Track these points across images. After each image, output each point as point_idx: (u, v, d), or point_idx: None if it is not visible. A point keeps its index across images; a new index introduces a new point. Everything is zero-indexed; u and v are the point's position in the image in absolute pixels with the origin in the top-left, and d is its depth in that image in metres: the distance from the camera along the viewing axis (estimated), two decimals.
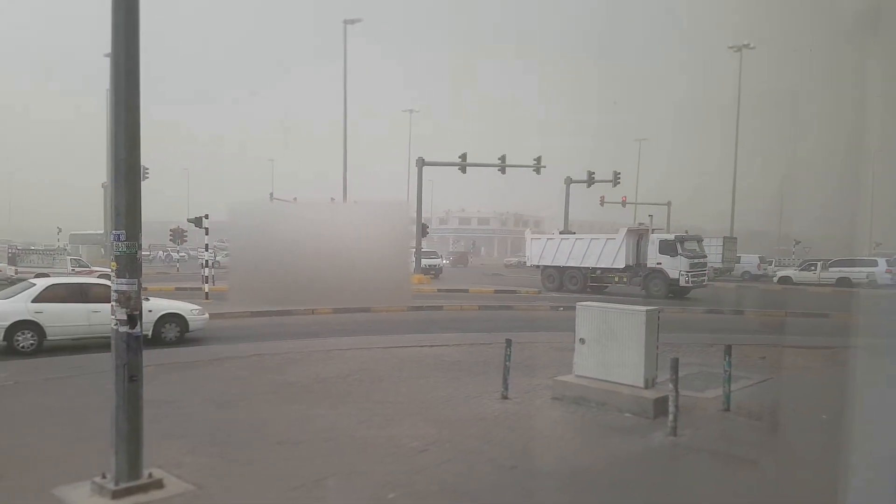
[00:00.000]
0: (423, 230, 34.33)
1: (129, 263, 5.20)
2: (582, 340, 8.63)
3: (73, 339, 12.82)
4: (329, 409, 8.31)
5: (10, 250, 31.35)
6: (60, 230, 47.86)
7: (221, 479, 5.86)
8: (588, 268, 29.92)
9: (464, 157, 35.05)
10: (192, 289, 25.40)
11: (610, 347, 8.37)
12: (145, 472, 5.44)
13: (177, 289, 26.49)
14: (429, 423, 7.75)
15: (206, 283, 23.03)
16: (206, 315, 14.70)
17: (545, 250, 31.70)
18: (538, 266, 32.31)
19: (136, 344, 5.27)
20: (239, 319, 18.03)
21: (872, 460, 4.57)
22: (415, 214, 33.97)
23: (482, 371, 10.71)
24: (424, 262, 38.64)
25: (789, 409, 8.92)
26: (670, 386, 7.38)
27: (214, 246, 23.97)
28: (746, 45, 44.05)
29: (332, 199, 35.61)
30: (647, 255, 28.41)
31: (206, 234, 23.11)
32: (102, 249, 39.32)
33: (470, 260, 65.83)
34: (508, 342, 9.03)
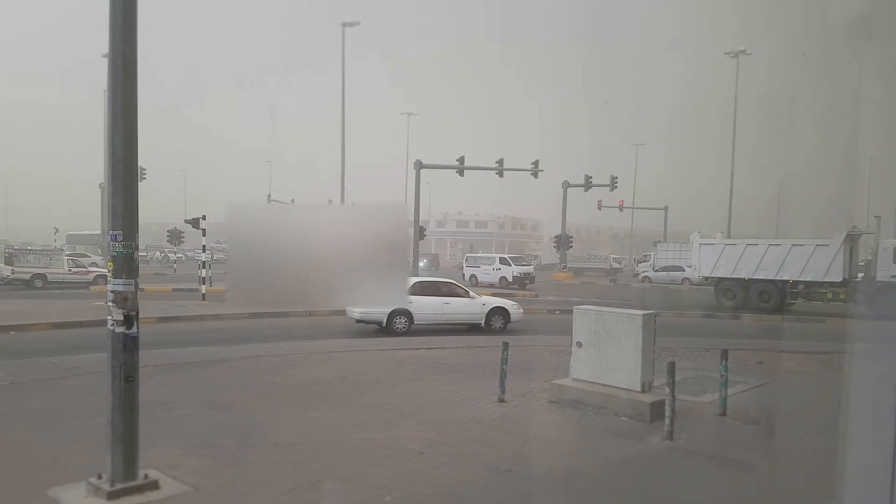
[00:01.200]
0: (420, 233, 34.34)
1: (126, 264, 5.19)
2: (579, 344, 8.63)
3: (429, 325, 16.67)
4: (325, 412, 8.29)
5: (6, 250, 31.27)
6: (57, 230, 47.75)
7: (217, 481, 5.84)
8: (787, 281, 24.41)
9: (461, 160, 35.08)
10: (188, 290, 25.38)
11: (607, 351, 8.37)
12: (141, 473, 5.42)
13: (174, 290, 26.49)
14: (426, 426, 7.75)
15: (203, 284, 22.98)
16: (521, 310, 18.16)
17: (721, 259, 26.26)
18: (708, 278, 27.28)
19: (132, 344, 5.25)
20: (237, 321, 18.00)
21: (868, 465, 4.58)
22: (413, 217, 33.96)
23: (479, 374, 10.71)
24: (516, 270, 37.22)
25: (785, 414, 8.94)
26: (667, 390, 7.39)
27: (212, 247, 23.94)
28: (743, 51, 44.21)
29: (330, 201, 35.65)
30: (876, 265, 23.03)
31: (203, 235, 23.09)
32: (99, 250, 39.24)
33: (440, 263, 62.77)
34: (505, 345, 9.03)
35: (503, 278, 37.06)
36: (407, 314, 16.31)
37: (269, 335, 15.15)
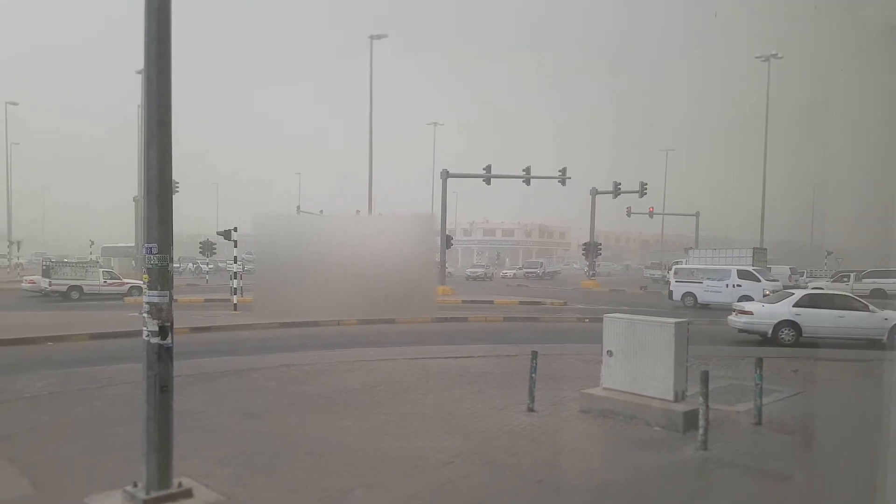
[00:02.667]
0: (447, 242, 34.39)
1: (161, 276, 5.29)
2: (609, 353, 8.55)
3: (820, 338, 16.38)
4: (354, 421, 8.33)
5: (43, 263, 32.07)
6: (93, 243, 48.84)
7: (249, 490, 5.90)
8: None
9: (488, 168, 35.13)
10: (221, 300, 25.75)
11: (638, 360, 8.27)
12: (175, 482, 5.49)
13: (206, 300, 26.89)
14: (454, 436, 7.73)
15: (235, 294, 23.29)
16: None
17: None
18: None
19: (167, 355, 5.34)
20: (267, 330, 18.20)
21: None
22: (439, 226, 34.05)
23: (508, 383, 10.65)
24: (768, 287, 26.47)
25: (823, 423, 8.72)
26: (700, 399, 7.26)
27: (243, 258, 24.26)
28: (774, 55, 43.54)
29: (358, 211, 35.89)
30: None
31: (235, 246, 23.42)
32: (133, 262, 40.02)
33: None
34: (534, 354, 8.98)
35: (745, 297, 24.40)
36: (794, 326, 16.50)
37: (298, 344, 15.28)
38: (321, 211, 44.81)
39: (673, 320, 8.24)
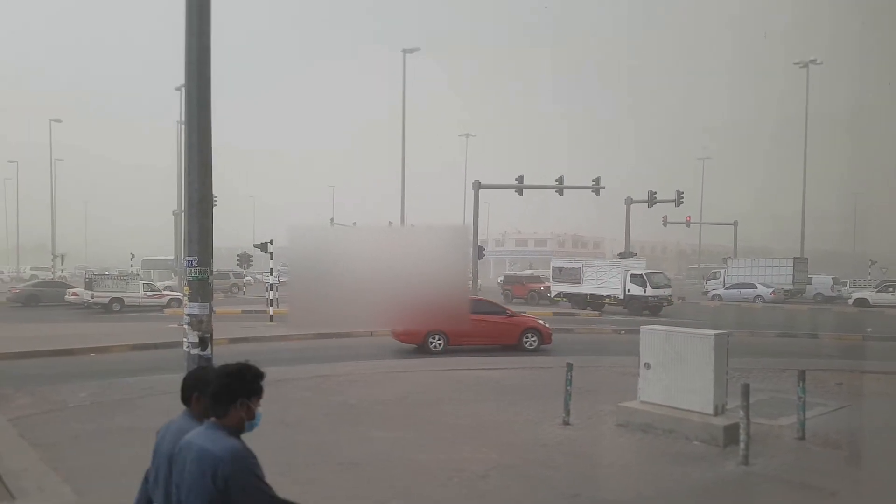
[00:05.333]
0: (479, 253, 34.34)
1: (201, 288, 5.40)
2: (647, 365, 8.41)
3: None
4: (388, 431, 8.34)
5: (86, 276, 32.93)
6: (133, 256, 49.99)
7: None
8: None
9: (520, 179, 34.99)
10: (257, 311, 26.09)
11: (677, 372, 8.12)
12: None
13: (243, 311, 27.28)
14: (489, 448, 7.68)
15: (271, 306, 23.59)
16: None
17: None
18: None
19: (206, 365, 5.43)
20: (302, 341, 18.37)
21: None
22: (471, 237, 34.05)
23: (542, 395, 10.56)
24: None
25: (870, 438, 8.44)
26: (741, 413, 7.10)
27: (278, 270, 24.60)
28: (813, 61, 42.67)
29: (390, 223, 36.11)
30: None
31: (271, 258, 23.75)
32: (173, 274, 40.83)
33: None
34: (569, 366, 8.89)
35: None
36: None
37: (332, 355, 15.39)
38: (354, 223, 45.23)
39: (712, 332, 8.09)
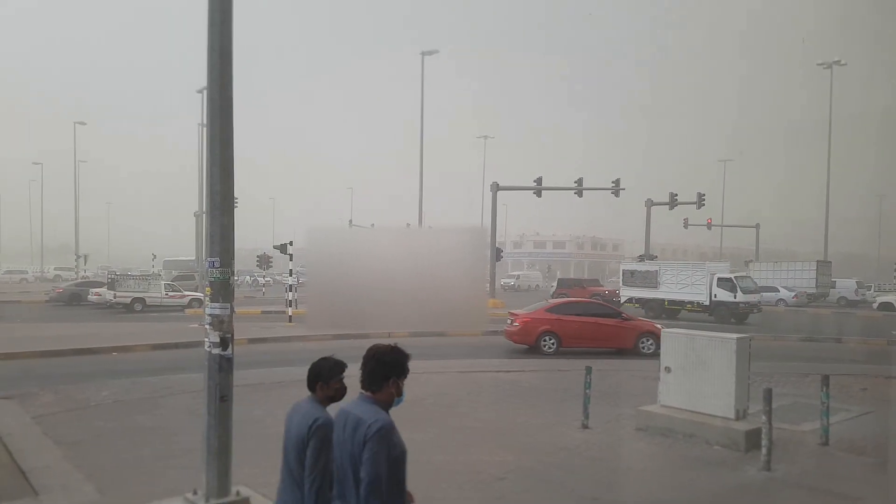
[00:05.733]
0: (497, 254, 34.30)
1: (223, 289, 5.43)
2: (668, 369, 8.34)
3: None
4: (406, 433, 8.26)
5: (108, 276, 33.37)
6: (155, 256, 50.59)
7: None
8: None
9: (539, 180, 34.90)
10: (276, 312, 26.27)
11: (698, 376, 8.04)
12: (233, 490, 5.60)
13: (263, 312, 27.49)
14: (507, 450, 7.65)
15: (290, 306, 23.74)
16: None
17: None
18: None
19: (227, 365, 5.47)
20: (320, 342, 18.45)
21: None
22: (490, 239, 34.00)
23: (561, 398, 10.51)
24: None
25: (895, 444, 8.27)
26: (763, 417, 7.01)
27: (297, 271, 24.74)
28: (837, 62, 42.05)
29: (408, 224, 36.16)
30: None
31: (291, 259, 23.90)
32: (195, 275, 41.24)
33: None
34: (588, 369, 8.83)
35: None
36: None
37: (351, 356, 15.28)
38: (372, 224, 45.37)
39: (734, 335, 7.99)
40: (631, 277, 31.51)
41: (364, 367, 3.17)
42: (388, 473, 2.99)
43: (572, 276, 49.27)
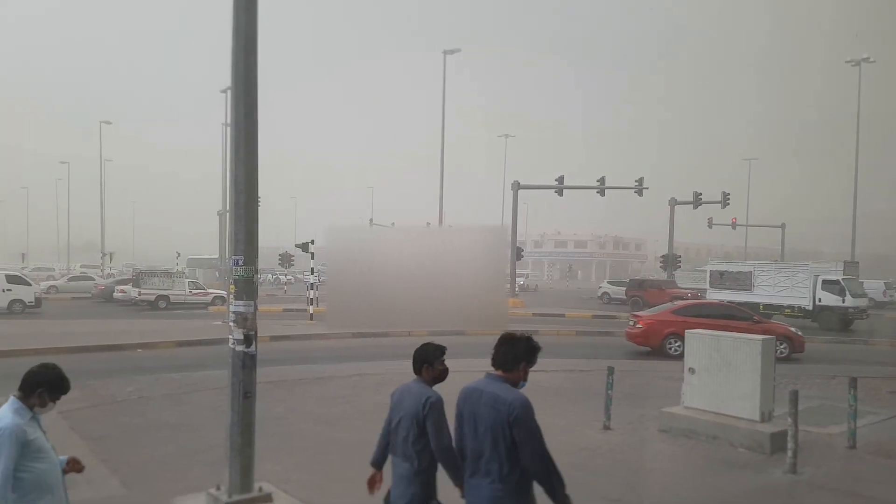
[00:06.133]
0: (517, 254, 34.18)
1: (247, 287, 5.48)
2: (691, 370, 8.25)
3: None
4: None
5: (133, 273, 33.82)
6: (179, 254, 51.19)
7: (327, 498, 6.00)
8: None
9: (560, 179, 34.71)
10: (297, 310, 26.46)
11: (722, 378, 7.94)
12: (256, 486, 5.65)
13: (284, 310, 27.70)
14: None
15: (311, 304, 23.89)
16: None
17: None
18: None
19: (251, 363, 5.52)
20: (340, 340, 18.56)
21: None
22: (510, 238, 33.90)
23: (582, 399, 10.44)
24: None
25: None
26: (789, 420, 6.90)
27: (318, 269, 24.88)
28: (865, 59, 41.23)
29: (428, 223, 36.19)
30: None
31: (312, 258, 24.04)
32: (217, 273, 41.66)
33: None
34: (610, 370, 8.77)
35: None
36: None
37: (370, 354, 15.48)
38: (392, 223, 45.47)
39: (760, 337, 7.89)
40: (720, 279, 29.30)
41: (499, 349, 3.52)
42: (540, 434, 3.41)
43: (643, 277, 44.28)
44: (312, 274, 24.60)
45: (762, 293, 27.45)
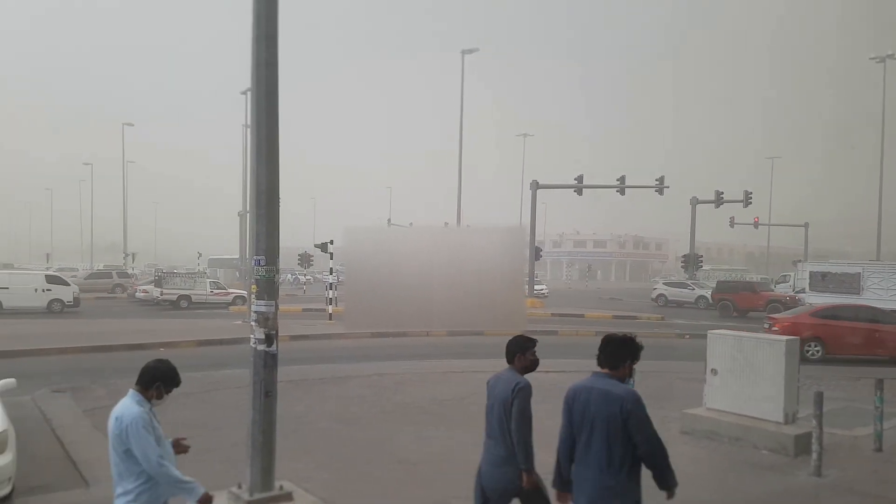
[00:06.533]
0: (536, 253, 34.05)
1: (268, 286, 5.52)
2: (714, 371, 8.16)
3: None
4: (446, 431, 8.34)
5: (155, 274, 34.24)
6: (200, 255, 51.72)
7: (346, 495, 6.02)
8: None
9: (580, 178, 34.51)
10: (317, 310, 26.61)
11: (745, 379, 7.84)
12: (276, 485, 5.69)
13: (304, 310, 27.87)
14: (547, 451, 7.52)
15: (330, 304, 24.00)
16: None
17: None
18: None
19: (272, 362, 5.56)
20: (359, 340, 18.62)
21: None
22: (529, 238, 33.77)
23: None
24: None
25: None
26: (813, 422, 6.80)
27: (337, 269, 25.00)
28: (890, 56, 40.48)
29: (446, 223, 36.15)
30: None
31: (331, 258, 24.15)
32: (237, 273, 42.02)
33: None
34: (631, 371, 8.67)
35: None
36: None
37: (389, 354, 15.53)
38: (410, 223, 45.51)
39: (784, 337, 7.77)
40: (822, 281, 26.91)
41: (604, 349, 3.86)
42: (651, 423, 3.69)
43: (735, 279, 40.02)
44: (331, 274, 24.72)
45: (872, 296, 24.50)
